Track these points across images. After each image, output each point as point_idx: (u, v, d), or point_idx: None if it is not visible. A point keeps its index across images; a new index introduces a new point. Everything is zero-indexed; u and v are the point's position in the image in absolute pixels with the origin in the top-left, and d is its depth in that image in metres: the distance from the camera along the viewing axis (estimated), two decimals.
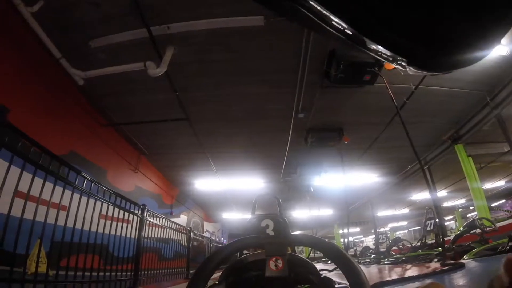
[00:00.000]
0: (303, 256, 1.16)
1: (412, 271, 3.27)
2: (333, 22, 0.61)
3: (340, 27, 0.62)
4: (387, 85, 5.24)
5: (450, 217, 23.06)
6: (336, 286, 0.99)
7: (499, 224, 6.08)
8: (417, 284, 2.17)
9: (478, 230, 5.31)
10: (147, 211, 6.16)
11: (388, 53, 0.66)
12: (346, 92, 6.91)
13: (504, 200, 16.49)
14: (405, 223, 27.65)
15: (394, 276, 3.08)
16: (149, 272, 6.54)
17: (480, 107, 7.63)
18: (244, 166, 11.47)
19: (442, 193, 15.70)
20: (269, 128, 8.56)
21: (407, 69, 0.70)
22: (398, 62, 0.69)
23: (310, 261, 1.14)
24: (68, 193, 3.99)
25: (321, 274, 1.08)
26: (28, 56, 5.32)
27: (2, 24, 4.71)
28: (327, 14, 0.59)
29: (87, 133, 7.22)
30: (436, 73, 0.74)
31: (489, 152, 9.68)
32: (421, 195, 16.22)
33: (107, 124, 7.90)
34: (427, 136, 9.17)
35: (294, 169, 11.54)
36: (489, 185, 14.98)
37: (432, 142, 9.65)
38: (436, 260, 4.78)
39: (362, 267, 0.86)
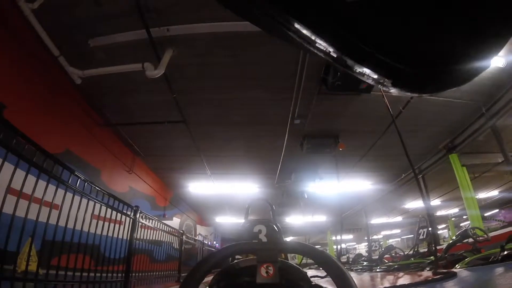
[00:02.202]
0: (296, 261, 1.17)
1: (404, 279, 3.28)
2: (317, 45, 0.60)
3: (324, 49, 0.60)
4: (384, 93, 5.26)
5: (443, 226, 23.11)
6: None
7: (491, 234, 6.09)
8: None
9: (470, 240, 5.32)
10: (140, 213, 6.15)
11: (374, 75, 0.65)
12: (343, 99, 6.92)
13: (497, 210, 16.55)
14: (398, 231, 27.69)
15: (386, 284, 3.08)
16: (140, 274, 6.51)
17: (476, 117, 7.68)
18: (239, 171, 11.46)
19: (435, 202, 15.72)
20: (265, 133, 8.57)
21: (392, 90, 0.69)
22: (384, 84, 0.67)
23: (301, 268, 1.14)
24: (61, 192, 3.98)
25: (312, 282, 1.08)
26: (26, 53, 5.30)
27: (1, 20, 4.70)
28: (311, 36, 0.58)
29: (83, 132, 7.20)
30: (424, 95, 0.72)
31: (484, 162, 9.72)
32: (415, 204, 16.24)
33: (103, 124, 7.88)
34: (422, 145, 9.21)
35: (289, 175, 11.53)
36: (482, 194, 15.01)
37: (427, 151, 9.69)
38: (428, 268, 4.79)
39: (354, 274, 0.86)
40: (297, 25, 0.56)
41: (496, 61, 5.72)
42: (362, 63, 0.62)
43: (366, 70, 0.63)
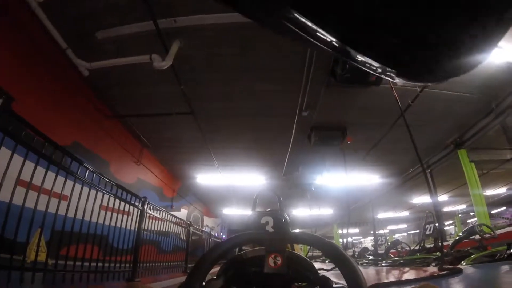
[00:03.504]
0: (302, 254, 1.17)
1: (409, 275, 3.28)
2: (318, 34, 0.58)
3: (326, 39, 0.59)
4: (393, 86, 5.22)
5: (450, 222, 23.01)
6: (334, 286, 0.99)
7: (498, 231, 6.06)
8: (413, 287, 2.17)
9: (477, 236, 5.30)
10: (147, 204, 6.19)
11: (377, 64, 0.64)
12: (351, 92, 6.87)
13: (504, 208, 16.43)
14: (404, 225, 27.64)
15: (391, 279, 3.09)
16: (147, 264, 6.57)
17: (485, 113, 7.60)
18: (246, 162, 11.49)
19: (443, 197, 15.63)
20: (272, 126, 8.56)
21: (396, 80, 0.68)
22: (387, 74, 0.66)
23: (308, 260, 1.15)
24: (70, 183, 4.01)
25: (319, 273, 1.09)
26: (34, 46, 5.32)
27: (9, 13, 4.72)
28: (313, 26, 0.56)
29: (91, 124, 7.25)
30: (429, 84, 0.71)
31: (492, 159, 9.62)
32: (422, 199, 16.16)
33: (111, 115, 7.92)
34: (430, 139, 9.13)
35: (296, 167, 11.52)
36: (490, 191, 14.92)
37: (435, 145, 9.61)
38: (434, 264, 4.78)
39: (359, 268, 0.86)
40: (297, 16, 0.55)
41: (506, 57, 5.63)
42: (365, 53, 0.61)
43: (369, 60, 0.63)
